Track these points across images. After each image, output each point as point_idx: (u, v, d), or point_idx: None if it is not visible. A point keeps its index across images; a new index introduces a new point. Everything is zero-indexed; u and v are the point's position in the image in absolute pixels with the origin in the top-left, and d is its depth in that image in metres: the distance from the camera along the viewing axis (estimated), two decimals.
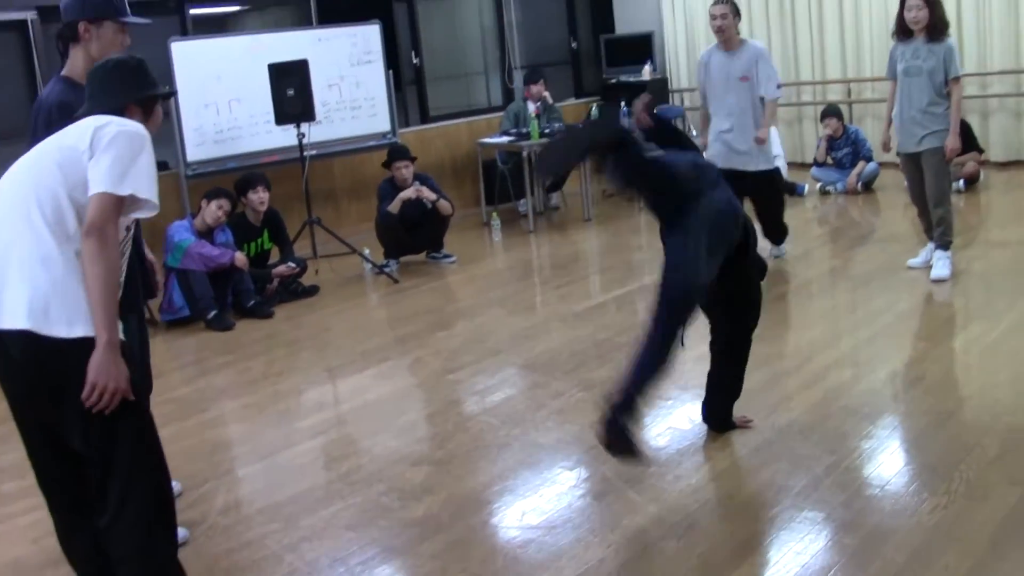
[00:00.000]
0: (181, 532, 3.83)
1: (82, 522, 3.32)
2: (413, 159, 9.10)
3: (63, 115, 3.65)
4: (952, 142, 6.89)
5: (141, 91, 3.48)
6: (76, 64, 4.23)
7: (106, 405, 2.98)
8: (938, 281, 6.98)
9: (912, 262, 7.32)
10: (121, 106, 3.39)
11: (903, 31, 7.01)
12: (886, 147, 7.44)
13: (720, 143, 7.65)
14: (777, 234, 8.03)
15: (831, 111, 10.96)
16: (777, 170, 8.05)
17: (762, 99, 7.59)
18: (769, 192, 7.88)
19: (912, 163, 7.14)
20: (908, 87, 7.01)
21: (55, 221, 3.09)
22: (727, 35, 7.57)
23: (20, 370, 3.07)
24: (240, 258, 7.93)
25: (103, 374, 2.96)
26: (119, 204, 3.09)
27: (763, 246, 7.60)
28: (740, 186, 7.41)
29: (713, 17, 7.58)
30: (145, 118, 3.46)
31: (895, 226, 8.96)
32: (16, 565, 4.20)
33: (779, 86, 7.65)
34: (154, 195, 3.18)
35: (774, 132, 8.01)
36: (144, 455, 3.18)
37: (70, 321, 3.00)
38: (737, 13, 7.59)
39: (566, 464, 4.68)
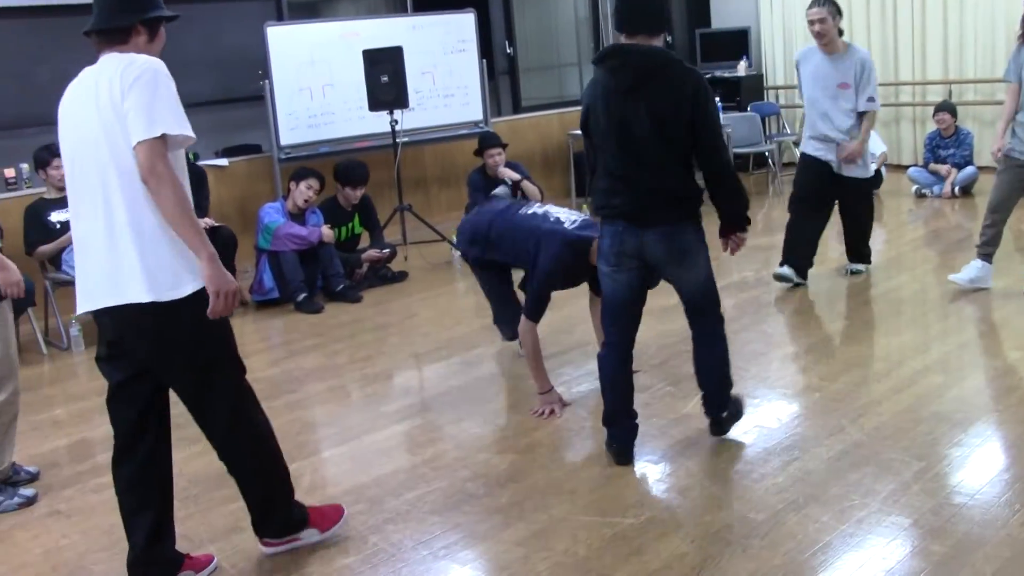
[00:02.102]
0: None
1: (135, 448, 3.69)
2: (505, 146, 9.11)
3: None
4: None
5: (146, 12, 3.59)
6: None
7: (230, 309, 3.44)
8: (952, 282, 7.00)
9: (955, 278, 7.10)
10: (128, 26, 3.53)
11: None
12: (998, 152, 6.91)
13: (813, 145, 7.40)
14: (859, 248, 7.71)
15: (945, 106, 10.53)
16: (871, 179, 7.79)
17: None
18: (858, 199, 7.59)
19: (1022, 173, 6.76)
20: None
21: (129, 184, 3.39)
22: (828, 39, 7.15)
23: (137, 336, 3.51)
24: (326, 232, 8.01)
25: (216, 282, 3.38)
26: (157, 144, 3.33)
27: (830, 260, 7.53)
28: (832, 190, 7.32)
29: (811, 22, 7.16)
30: (150, 38, 3.60)
31: None
32: (110, 532, 4.29)
33: (872, 99, 7.23)
34: (182, 127, 3.40)
35: (873, 133, 7.73)
36: (239, 402, 3.69)
37: (174, 284, 3.41)
38: (838, 13, 7.18)
39: (651, 457, 4.67)
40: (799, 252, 7.47)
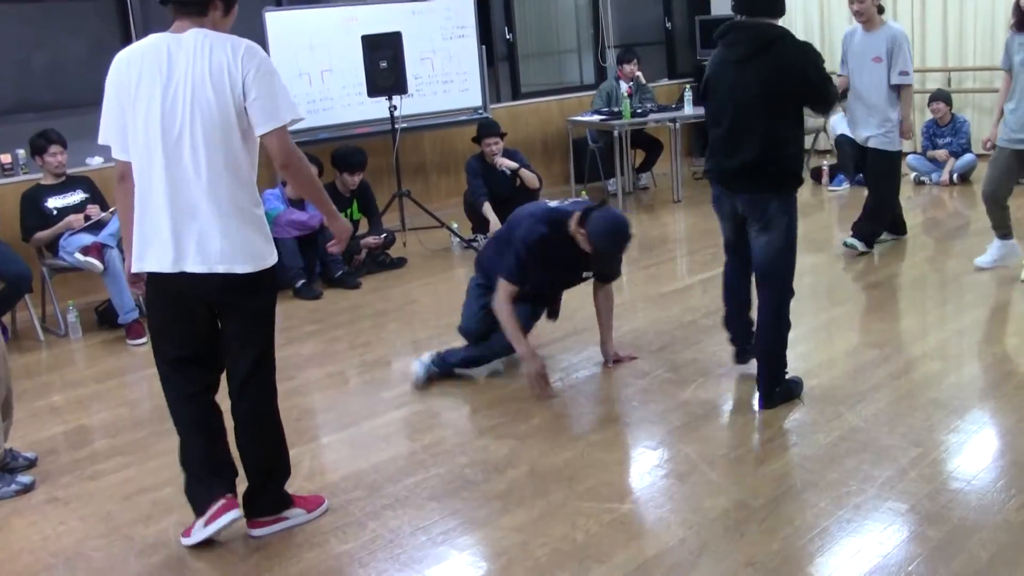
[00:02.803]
0: None
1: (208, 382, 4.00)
2: (503, 135, 9.10)
3: None
4: None
5: None
6: None
7: (343, 248, 4.15)
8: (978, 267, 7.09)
9: (980, 261, 7.17)
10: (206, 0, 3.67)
11: (1021, 21, 6.73)
12: (986, 144, 7.16)
13: (849, 117, 7.85)
14: (875, 222, 7.86)
15: (940, 95, 10.51)
16: (897, 154, 7.85)
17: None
18: (879, 174, 7.80)
19: (1014, 159, 6.82)
20: None
21: (229, 163, 3.68)
22: (867, 16, 7.58)
23: (214, 295, 3.80)
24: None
25: (343, 231, 4.06)
26: (286, 132, 3.71)
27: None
28: (863, 160, 7.81)
29: (851, 0, 7.63)
30: (225, 13, 3.75)
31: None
32: (108, 518, 4.31)
33: (904, 72, 7.51)
34: (297, 112, 3.74)
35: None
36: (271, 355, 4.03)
37: (248, 259, 3.72)
38: None
39: (649, 444, 4.68)
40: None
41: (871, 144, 7.62)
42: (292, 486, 4.36)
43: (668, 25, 13.58)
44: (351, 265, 8.35)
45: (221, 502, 3.89)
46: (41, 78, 8.41)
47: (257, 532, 4.02)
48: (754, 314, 5.14)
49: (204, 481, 3.94)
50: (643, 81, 11.31)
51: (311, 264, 8.05)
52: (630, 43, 12.41)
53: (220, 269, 3.67)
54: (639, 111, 10.56)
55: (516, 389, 5.56)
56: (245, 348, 3.86)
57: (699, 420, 4.90)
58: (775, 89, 4.69)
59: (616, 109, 10.67)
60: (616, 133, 10.43)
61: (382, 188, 9.51)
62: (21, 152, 8.00)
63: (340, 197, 8.48)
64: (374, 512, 4.19)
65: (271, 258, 3.82)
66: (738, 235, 5.08)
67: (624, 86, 11.06)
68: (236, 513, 3.92)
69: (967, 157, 10.31)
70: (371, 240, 8.49)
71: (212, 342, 3.89)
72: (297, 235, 7.88)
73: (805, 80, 4.73)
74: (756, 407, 5.01)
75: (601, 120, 10.67)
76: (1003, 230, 7.02)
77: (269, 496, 4.04)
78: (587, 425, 4.98)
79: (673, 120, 10.63)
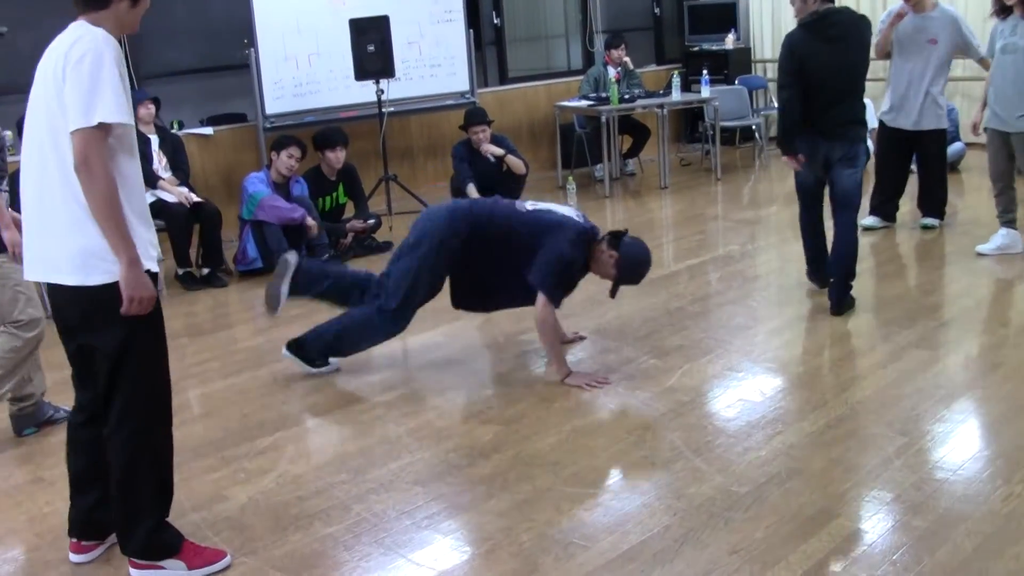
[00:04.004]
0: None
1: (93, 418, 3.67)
2: (490, 122, 9.07)
3: None
4: None
5: None
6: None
7: (143, 312, 3.38)
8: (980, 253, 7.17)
9: (982, 248, 7.21)
10: None
11: (1002, 8, 6.88)
12: (976, 130, 7.38)
13: (893, 105, 7.87)
14: (936, 200, 8.08)
15: None
16: (946, 131, 8.06)
17: (979, 61, 7.77)
18: (934, 151, 7.93)
19: (1000, 140, 7.07)
20: (1004, 65, 6.91)
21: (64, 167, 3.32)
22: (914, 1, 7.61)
23: (65, 310, 3.56)
24: (311, 223, 7.96)
25: (132, 286, 3.33)
26: (96, 134, 3.22)
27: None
28: (906, 146, 7.93)
29: None
30: (132, 3, 3.43)
31: (978, 209, 8.79)
32: None
33: (979, 45, 7.70)
34: (122, 116, 3.26)
35: (868, 106, 7.93)
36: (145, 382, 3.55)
37: (95, 269, 3.36)
38: None
39: (635, 430, 4.67)
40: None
41: (924, 127, 7.72)
42: (276, 470, 4.36)
43: (656, 11, 13.56)
44: (337, 249, 8.33)
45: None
46: (26, 59, 8.31)
47: (134, 572, 3.71)
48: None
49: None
50: (631, 67, 11.30)
51: (296, 247, 8.00)
52: (618, 28, 12.40)
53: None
54: (627, 97, 10.54)
55: (500, 374, 5.55)
56: None
57: (685, 407, 4.90)
58: (862, 61, 6.16)
59: (604, 95, 10.65)
60: (603, 119, 10.41)
61: (369, 172, 9.48)
62: (8, 133, 7.94)
63: (326, 180, 8.46)
64: (359, 495, 4.18)
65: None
66: (817, 179, 6.27)
67: (612, 71, 11.05)
68: None
69: (956, 145, 10.30)
70: (357, 224, 8.46)
71: None
72: (278, 223, 7.84)
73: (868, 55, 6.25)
74: (830, 312, 6.11)
75: (588, 106, 10.66)
76: (1009, 216, 7.13)
77: (134, 541, 3.67)
78: (572, 411, 4.97)
79: (661, 106, 10.62)
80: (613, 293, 5.46)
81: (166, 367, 3.62)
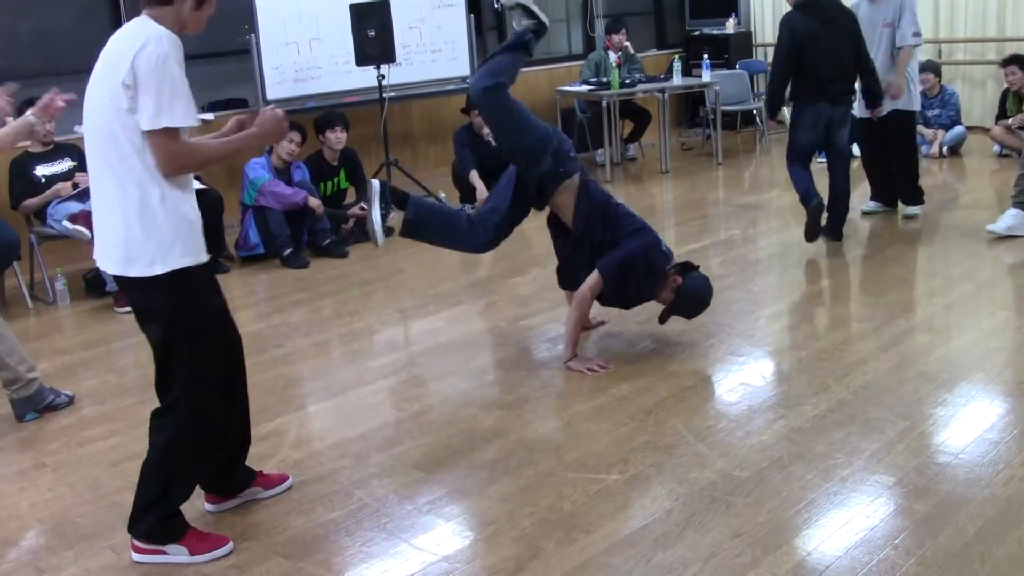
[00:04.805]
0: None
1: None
2: None
3: None
4: None
5: None
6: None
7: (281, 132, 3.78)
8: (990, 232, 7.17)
9: (991, 227, 7.21)
10: None
11: None
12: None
13: (859, 96, 7.81)
14: (910, 187, 8.04)
15: (928, 66, 10.36)
16: (915, 115, 8.08)
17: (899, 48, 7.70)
18: (899, 136, 7.92)
19: None
20: None
21: (119, 159, 3.41)
22: None
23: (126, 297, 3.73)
24: (314, 202, 7.96)
25: (263, 139, 3.77)
26: (168, 134, 3.35)
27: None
28: (873, 134, 7.96)
29: None
30: (197, 4, 3.52)
31: (980, 192, 8.80)
32: (96, 485, 4.30)
33: (916, 34, 7.67)
34: (188, 119, 3.38)
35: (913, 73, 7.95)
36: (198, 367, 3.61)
37: (150, 260, 3.43)
38: None
39: (636, 415, 4.67)
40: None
41: (892, 107, 7.73)
42: (278, 455, 4.37)
43: None
44: (339, 234, 8.32)
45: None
46: (26, 46, 8.35)
47: (135, 557, 3.71)
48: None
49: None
50: (632, 51, 11.28)
51: (298, 233, 8.02)
52: (619, 13, 12.36)
53: None
54: (627, 81, 10.52)
55: (502, 359, 5.55)
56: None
57: (687, 391, 4.90)
58: (855, 38, 7.15)
59: (604, 79, 10.62)
60: (604, 103, 10.40)
61: (370, 157, 9.47)
62: (9, 120, 7.93)
63: (328, 166, 8.45)
64: (361, 481, 4.18)
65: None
66: (817, 141, 7.30)
67: (613, 56, 11.02)
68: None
69: (957, 130, 10.32)
70: (359, 209, 8.45)
71: None
72: (281, 208, 7.83)
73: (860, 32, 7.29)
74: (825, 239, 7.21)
75: (589, 90, 10.64)
76: (1022, 198, 7.15)
77: (143, 523, 3.69)
78: (575, 396, 4.97)
79: (662, 91, 10.59)
80: (663, 319, 5.44)
81: (214, 365, 3.67)
